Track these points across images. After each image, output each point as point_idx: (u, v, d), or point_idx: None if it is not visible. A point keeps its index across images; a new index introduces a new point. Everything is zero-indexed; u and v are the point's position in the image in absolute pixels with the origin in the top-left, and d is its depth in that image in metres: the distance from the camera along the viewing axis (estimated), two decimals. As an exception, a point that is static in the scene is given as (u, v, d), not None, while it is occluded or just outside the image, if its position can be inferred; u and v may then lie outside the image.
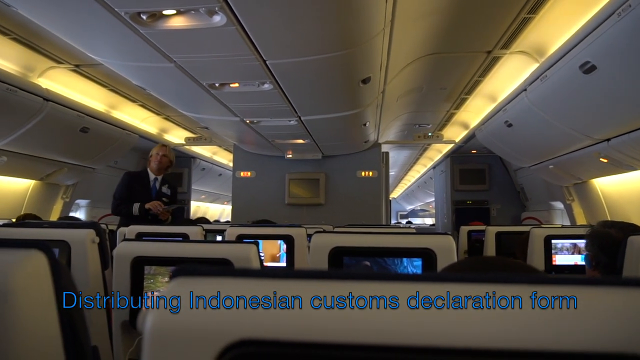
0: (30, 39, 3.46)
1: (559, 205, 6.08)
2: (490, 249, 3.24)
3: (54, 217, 5.66)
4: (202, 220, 4.20)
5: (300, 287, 0.36)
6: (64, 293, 0.45)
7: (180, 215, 7.60)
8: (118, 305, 1.31)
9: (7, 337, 0.42)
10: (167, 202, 3.44)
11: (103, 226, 2.11)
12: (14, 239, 1.33)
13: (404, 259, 1.29)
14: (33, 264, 0.44)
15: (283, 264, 2.12)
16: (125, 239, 1.41)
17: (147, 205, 3.28)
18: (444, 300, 0.34)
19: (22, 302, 0.42)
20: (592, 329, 0.31)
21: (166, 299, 0.36)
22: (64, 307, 0.45)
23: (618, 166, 3.99)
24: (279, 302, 0.35)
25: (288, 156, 5.88)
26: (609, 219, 4.73)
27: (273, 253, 2.15)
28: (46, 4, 2.05)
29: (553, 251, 2.48)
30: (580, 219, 5.34)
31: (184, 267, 0.38)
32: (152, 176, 3.50)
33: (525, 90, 3.83)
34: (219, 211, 11.95)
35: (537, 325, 0.31)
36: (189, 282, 0.37)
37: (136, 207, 3.30)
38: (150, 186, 3.47)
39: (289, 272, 0.37)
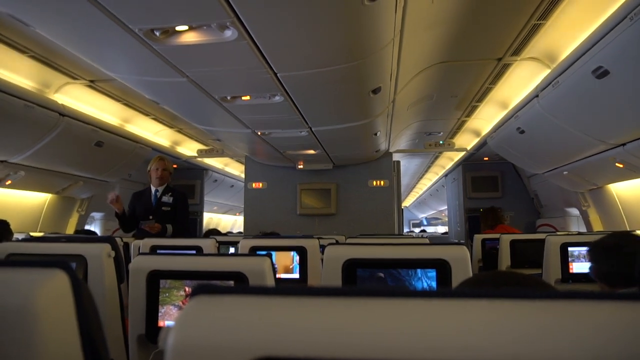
0: (47, 56, 3.54)
1: (574, 211, 5.99)
2: (504, 258, 3.20)
3: (70, 230, 5.74)
4: (215, 232, 4.23)
5: (320, 305, 0.36)
6: (85, 312, 0.46)
7: (193, 227, 7.67)
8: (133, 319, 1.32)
9: (29, 357, 0.42)
10: (167, 210, 3.48)
11: (117, 239, 2.13)
12: (37, 256, 1.35)
13: (418, 270, 1.28)
14: (55, 283, 0.45)
15: (296, 275, 2.12)
16: (140, 253, 1.43)
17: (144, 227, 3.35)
18: (460, 316, 0.34)
19: (44, 321, 0.43)
20: (599, 344, 0.31)
21: (187, 318, 0.37)
22: (85, 325, 0.46)
23: (635, 171, 3.93)
24: (299, 319, 0.35)
25: (299, 167, 5.90)
26: (627, 224, 4.64)
27: (286, 264, 2.15)
28: (62, 23, 2.10)
29: (570, 259, 2.44)
30: (597, 225, 5.25)
31: (203, 285, 0.38)
32: (153, 189, 3.59)
33: (537, 96, 3.80)
34: (231, 222, 12.00)
35: (551, 341, 0.31)
36: (209, 300, 0.37)
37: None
38: (151, 199, 3.55)
39: (309, 290, 0.37)
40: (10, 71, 3.56)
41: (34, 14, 2.09)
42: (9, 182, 4.56)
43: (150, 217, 3.35)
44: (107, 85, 4.25)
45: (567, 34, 3.17)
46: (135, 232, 3.49)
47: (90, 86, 4.24)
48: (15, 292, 0.43)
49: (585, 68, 2.92)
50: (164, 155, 3.83)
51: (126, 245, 2.84)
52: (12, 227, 3.00)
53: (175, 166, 7.29)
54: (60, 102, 4.10)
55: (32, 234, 4.51)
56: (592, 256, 1.68)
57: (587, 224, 5.43)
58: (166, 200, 3.53)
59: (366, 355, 0.34)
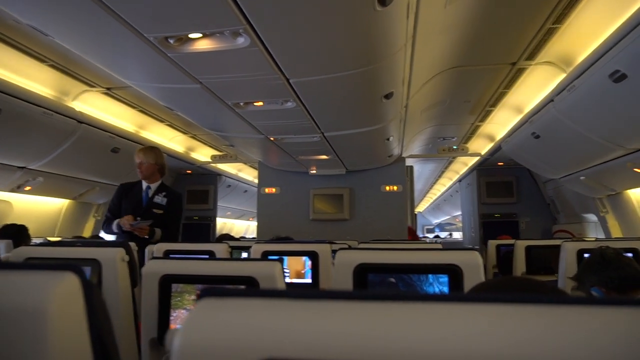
0: (65, 65, 3.63)
1: (592, 217, 5.88)
2: (519, 264, 3.15)
3: (86, 234, 5.84)
4: (227, 237, 4.24)
5: (325, 308, 0.36)
6: (96, 314, 0.46)
7: (206, 231, 7.72)
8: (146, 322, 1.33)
9: (40, 358, 0.43)
10: (160, 213, 2.99)
11: (132, 244, 2.16)
12: (53, 260, 1.37)
13: (430, 276, 1.27)
14: (66, 285, 0.45)
15: (308, 280, 2.12)
16: (153, 257, 1.44)
17: (118, 221, 2.87)
18: (467, 320, 0.34)
19: (55, 322, 0.44)
20: (606, 350, 0.30)
21: (194, 320, 0.37)
22: (96, 328, 0.46)
23: (654, 177, 3.85)
24: (304, 322, 0.35)
25: (312, 172, 5.91)
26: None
27: (298, 269, 2.15)
28: (79, 32, 2.15)
29: (587, 266, 2.38)
30: (616, 232, 5.14)
31: (210, 289, 0.39)
32: (144, 184, 3.05)
33: (552, 101, 3.76)
34: (245, 227, 12.06)
35: (560, 347, 0.31)
36: (216, 303, 0.38)
37: (115, 223, 2.90)
38: (141, 195, 3.04)
39: (314, 293, 0.37)
40: (30, 79, 3.65)
41: (52, 24, 2.14)
42: (28, 187, 4.66)
43: (138, 218, 2.86)
44: (123, 93, 4.33)
45: (582, 38, 3.13)
46: (118, 235, 2.93)
47: (106, 93, 4.32)
48: (27, 294, 0.44)
49: (602, 72, 2.88)
50: (148, 146, 3.22)
51: (141, 250, 2.87)
52: (30, 231, 3.06)
53: (190, 171, 7.43)
54: (77, 109, 4.19)
55: (49, 238, 4.60)
56: (594, 268, 1.68)
57: (606, 230, 5.32)
58: (159, 201, 3.02)
59: (371, 359, 0.34)
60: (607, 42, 2.76)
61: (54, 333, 0.43)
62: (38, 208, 5.19)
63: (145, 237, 2.86)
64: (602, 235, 5.50)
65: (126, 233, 2.87)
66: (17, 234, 2.86)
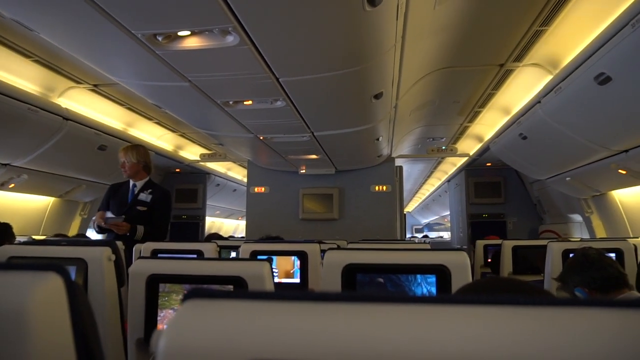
0: (51, 61, 3.57)
1: (577, 217, 5.97)
2: (506, 263, 3.19)
3: (73, 233, 5.76)
4: (216, 237, 4.22)
5: (311, 309, 0.36)
6: (80, 315, 0.46)
7: (194, 231, 7.67)
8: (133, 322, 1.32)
9: (22, 359, 0.42)
10: (144, 210, 2.99)
11: (119, 243, 2.13)
12: (37, 259, 1.35)
13: (418, 276, 1.27)
14: (49, 286, 0.45)
15: (297, 280, 2.12)
16: (140, 257, 1.43)
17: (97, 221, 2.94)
18: (454, 322, 0.34)
19: (37, 323, 0.43)
20: (593, 352, 0.31)
21: (179, 321, 0.37)
22: (79, 328, 0.46)
23: (637, 177, 3.91)
24: (291, 324, 0.35)
25: (301, 171, 5.90)
26: (630, 230, 4.62)
27: (287, 269, 2.15)
28: (65, 28, 2.12)
29: (572, 266, 2.41)
30: (600, 232, 5.23)
31: (196, 290, 0.39)
32: (131, 183, 3.08)
33: (539, 102, 3.80)
34: (234, 226, 12.01)
35: (543, 348, 0.31)
36: (202, 304, 0.38)
37: (96, 222, 2.99)
38: (127, 195, 3.06)
39: (299, 295, 0.37)
40: (14, 75, 3.59)
41: (37, 19, 2.10)
42: (12, 185, 4.58)
43: (123, 216, 2.86)
44: (111, 90, 4.28)
45: (569, 40, 3.17)
46: (98, 231, 3.03)
47: (93, 90, 4.26)
48: (9, 295, 0.43)
49: (587, 74, 2.92)
50: (129, 145, 3.22)
51: (128, 249, 2.83)
52: (14, 230, 3.00)
53: (179, 170, 7.36)
54: (63, 106, 4.13)
55: (34, 237, 4.53)
56: (577, 269, 1.71)
57: (590, 230, 5.41)
58: (143, 199, 3.00)
59: (358, 361, 0.33)
60: (592, 45, 2.81)
61: (36, 335, 0.42)
62: (23, 206, 5.11)
63: (127, 234, 2.84)
64: (587, 236, 5.58)
65: (111, 232, 2.89)
66: (0, 232, 2.81)
